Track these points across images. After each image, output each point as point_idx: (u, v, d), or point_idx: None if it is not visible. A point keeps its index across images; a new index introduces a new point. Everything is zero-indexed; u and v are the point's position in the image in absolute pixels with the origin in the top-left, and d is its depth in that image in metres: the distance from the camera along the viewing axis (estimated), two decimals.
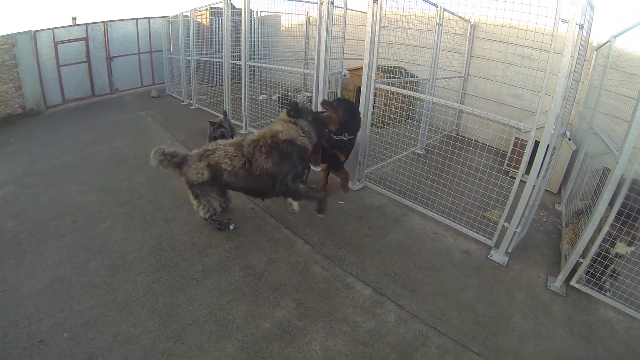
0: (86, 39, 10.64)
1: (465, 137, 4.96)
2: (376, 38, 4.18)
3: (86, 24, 10.61)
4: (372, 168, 5.41)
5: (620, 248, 3.16)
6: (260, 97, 7.71)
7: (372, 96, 4.49)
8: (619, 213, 2.93)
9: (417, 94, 4.56)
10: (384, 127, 5.64)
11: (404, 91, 4.43)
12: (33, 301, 2.96)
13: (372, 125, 4.67)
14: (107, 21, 10.99)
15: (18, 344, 2.57)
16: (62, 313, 2.85)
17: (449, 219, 4.23)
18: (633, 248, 3.13)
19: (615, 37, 4.25)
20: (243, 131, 7.24)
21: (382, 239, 3.96)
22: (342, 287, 3.25)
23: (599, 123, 4.22)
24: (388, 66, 5.69)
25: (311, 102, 5.45)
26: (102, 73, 11.33)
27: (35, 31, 9.53)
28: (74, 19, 10.86)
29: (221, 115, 6.06)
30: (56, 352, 2.53)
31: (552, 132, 3.19)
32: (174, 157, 3.57)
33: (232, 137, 5.02)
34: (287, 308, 2.99)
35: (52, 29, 9.89)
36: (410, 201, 4.60)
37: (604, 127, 4.00)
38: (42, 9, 12.95)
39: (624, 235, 3.08)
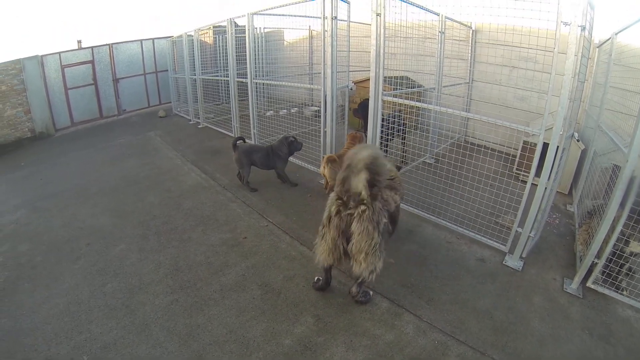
0: (92, 62, 10.85)
1: (474, 145, 4.95)
2: (381, 51, 4.18)
3: (92, 47, 10.83)
4: None
5: (635, 247, 3.14)
6: (268, 114, 7.79)
7: (380, 109, 4.48)
8: (632, 211, 2.91)
9: (424, 105, 4.57)
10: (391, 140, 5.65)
11: (412, 102, 4.44)
12: (51, 325, 2.99)
13: (381, 138, 4.68)
14: (112, 43, 11.21)
15: None
16: (81, 336, 2.88)
17: (461, 227, 4.21)
18: None
19: (616, 33, 4.24)
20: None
21: (397, 251, 3.93)
22: None
23: (606, 120, 4.20)
24: (393, 77, 5.73)
25: (318, 116, 5.45)
26: (109, 95, 11.52)
27: (42, 55, 9.76)
28: (79, 42, 11.09)
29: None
30: None
31: (561, 133, 3.19)
32: None
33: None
34: (306, 324, 2.99)
35: (59, 52, 10.12)
36: (422, 211, 4.57)
37: (611, 125, 3.98)
38: (47, 34, 13.24)
39: (637, 233, 3.07)
